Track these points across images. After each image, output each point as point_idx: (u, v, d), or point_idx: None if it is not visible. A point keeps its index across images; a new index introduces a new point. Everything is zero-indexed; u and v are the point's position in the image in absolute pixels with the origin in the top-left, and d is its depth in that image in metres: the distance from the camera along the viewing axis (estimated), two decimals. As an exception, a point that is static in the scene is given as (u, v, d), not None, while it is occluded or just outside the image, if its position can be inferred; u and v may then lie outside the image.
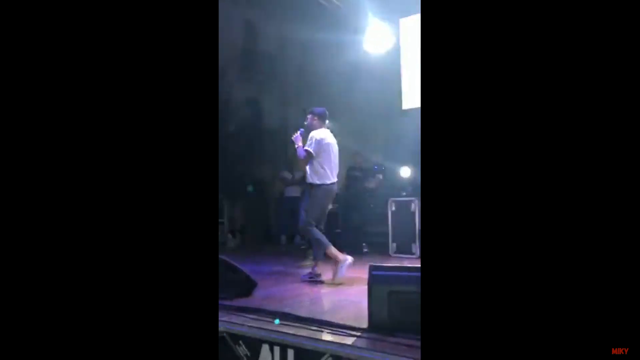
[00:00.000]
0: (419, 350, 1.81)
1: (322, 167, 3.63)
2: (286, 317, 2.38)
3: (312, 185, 3.67)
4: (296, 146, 3.69)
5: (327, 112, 3.84)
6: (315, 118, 3.76)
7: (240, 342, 2.24)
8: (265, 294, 3.08)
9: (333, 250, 3.56)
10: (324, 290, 3.42)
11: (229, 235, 7.93)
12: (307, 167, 3.69)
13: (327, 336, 2.11)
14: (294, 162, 8.22)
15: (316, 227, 3.62)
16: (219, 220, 6.74)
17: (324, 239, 3.59)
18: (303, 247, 7.23)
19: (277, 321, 2.30)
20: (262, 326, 2.23)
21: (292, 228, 7.59)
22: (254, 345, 2.18)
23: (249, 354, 2.21)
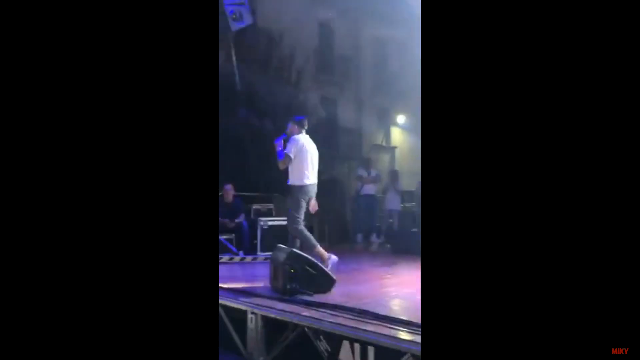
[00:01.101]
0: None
1: (302, 170, 3.93)
2: (365, 314, 2.40)
3: (292, 186, 3.96)
4: (277, 150, 3.97)
5: (306, 120, 4.18)
6: (295, 126, 4.07)
7: (321, 337, 2.30)
8: (344, 291, 3.12)
9: (319, 249, 3.84)
10: (403, 289, 3.39)
11: (306, 233, 8.07)
12: (289, 171, 3.98)
13: (407, 335, 2.09)
14: (369, 160, 8.21)
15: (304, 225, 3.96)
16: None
17: (312, 238, 3.92)
18: (380, 243, 7.20)
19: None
20: (342, 322, 2.26)
21: (368, 226, 7.59)
22: (335, 341, 2.23)
23: (329, 349, 2.26)
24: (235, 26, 4.80)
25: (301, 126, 4.08)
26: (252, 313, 2.72)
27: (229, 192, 5.91)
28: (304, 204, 3.94)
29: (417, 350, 1.93)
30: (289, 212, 3.98)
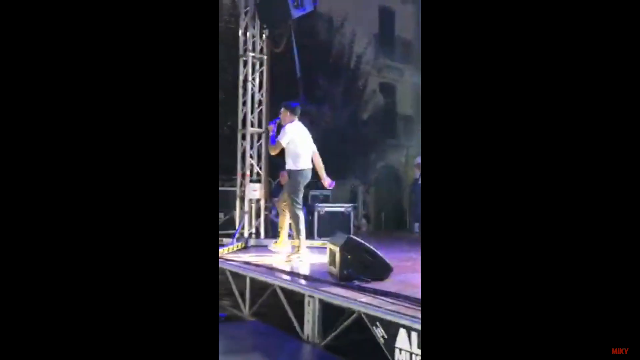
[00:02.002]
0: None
1: (297, 155, 4.05)
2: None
3: (290, 171, 4.11)
4: (270, 134, 4.11)
5: (299, 108, 4.26)
6: (288, 112, 4.13)
7: (378, 323, 2.31)
8: (401, 279, 3.11)
9: (302, 238, 4.04)
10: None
11: (363, 220, 8.10)
12: (285, 156, 4.10)
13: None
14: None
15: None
16: (354, 204, 6.92)
17: (302, 225, 4.07)
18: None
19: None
20: (399, 310, 2.26)
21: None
22: (391, 328, 2.23)
23: (385, 336, 2.27)
24: (296, 13, 4.81)
25: (294, 113, 4.16)
26: (310, 296, 2.78)
27: (286, 176, 6.02)
28: (302, 188, 4.12)
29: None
30: (288, 195, 4.11)
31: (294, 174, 4.11)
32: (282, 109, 4.21)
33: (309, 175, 4.19)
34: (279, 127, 4.14)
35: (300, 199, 4.12)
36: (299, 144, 4.09)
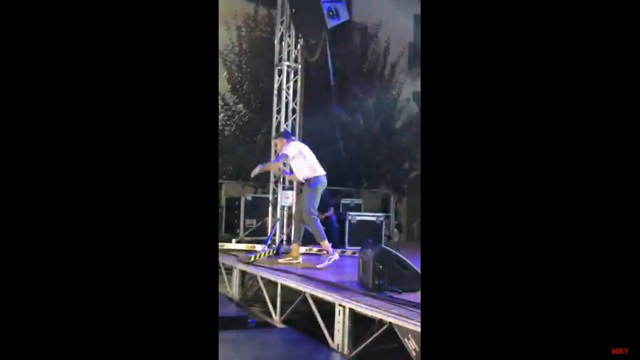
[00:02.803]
0: None
1: (310, 164, 4.27)
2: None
3: (308, 179, 4.26)
4: (269, 165, 4.47)
5: (289, 131, 4.91)
6: (282, 140, 4.43)
7: (410, 336, 2.27)
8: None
9: (326, 243, 4.23)
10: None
11: (395, 230, 8.01)
12: (297, 169, 4.33)
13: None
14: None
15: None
16: (386, 214, 6.87)
17: (322, 230, 4.23)
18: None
19: None
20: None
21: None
22: (424, 341, 2.19)
23: (417, 349, 2.22)
24: (331, 23, 4.85)
25: (287, 137, 4.47)
26: (340, 306, 2.76)
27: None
28: (319, 194, 4.27)
29: None
30: (306, 203, 4.22)
31: (313, 181, 4.24)
32: (277, 140, 4.57)
33: (325, 181, 4.33)
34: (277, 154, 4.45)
35: (316, 205, 4.27)
36: (307, 155, 4.29)
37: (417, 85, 12.83)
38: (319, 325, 2.97)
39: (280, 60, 5.53)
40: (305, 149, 4.33)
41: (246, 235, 5.83)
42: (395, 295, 2.80)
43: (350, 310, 2.70)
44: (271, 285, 3.71)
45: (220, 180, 7.10)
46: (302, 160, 4.26)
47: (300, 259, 4.39)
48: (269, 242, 5.04)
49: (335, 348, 2.75)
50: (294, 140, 4.51)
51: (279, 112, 5.50)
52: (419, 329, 2.22)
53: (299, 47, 5.55)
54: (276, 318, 3.54)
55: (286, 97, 5.50)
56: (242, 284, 4.36)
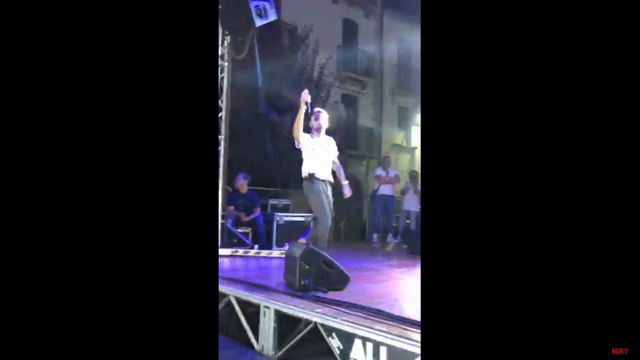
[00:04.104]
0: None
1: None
2: (379, 314, 2.38)
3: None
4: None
5: None
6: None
7: (334, 334, 2.29)
8: (359, 289, 3.11)
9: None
10: (416, 290, 3.35)
11: (323, 230, 8.07)
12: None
13: (419, 337, 2.07)
14: (388, 160, 8.16)
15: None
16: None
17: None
18: (396, 243, 7.16)
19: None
20: (355, 321, 2.25)
21: (385, 226, 7.55)
22: (347, 339, 2.22)
23: (341, 346, 2.25)
24: (258, 22, 4.79)
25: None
26: (266, 307, 2.73)
27: (243, 183, 5.90)
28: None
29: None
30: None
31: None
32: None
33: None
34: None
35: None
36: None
37: (345, 88, 13.12)
38: (244, 327, 2.91)
39: (206, 56, 5.36)
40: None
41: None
42: (321, 295, 2.81)
43: (276, 311, 2.68)
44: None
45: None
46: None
47: None
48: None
49: (260, 350, 2.71)
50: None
51: (204, 110, 5.32)
52: (343, 327, 2.24)
53: (225, 44, 5.42)
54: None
55: (212, 95, 5.34)
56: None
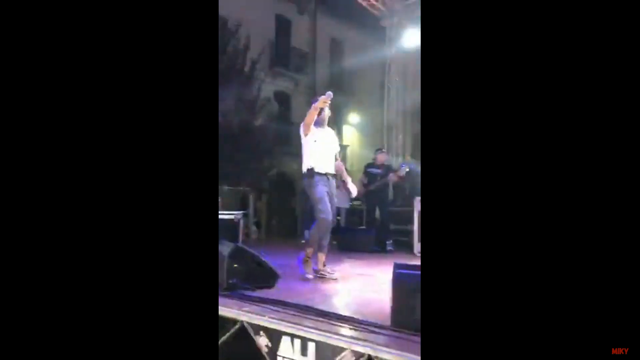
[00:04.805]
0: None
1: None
2: (307, 310, 2.38)
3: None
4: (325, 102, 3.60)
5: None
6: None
7: (261, 332, 2.25)
8: (288, 286, 3.09)
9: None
10: (346, 285, 3.40)
11: (254, 227, 8.00)
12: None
13: (348, 331, 2.09)
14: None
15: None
16: (244, 211, 6.81)
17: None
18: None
19: None
20: (283, 318, 2.23)
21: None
22: (275, 336, 2.19)
23: (269, 344, 2.22)
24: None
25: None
26: (191, 307, 2.63)
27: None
28: None
29: (357, 346, 1.93)
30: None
31: None
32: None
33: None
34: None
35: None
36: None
37: (277, 84, 13.04)
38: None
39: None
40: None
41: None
42: (250, 293, 2.76)
43: (202, 311, 2.59)
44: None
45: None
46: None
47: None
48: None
49: (185, 352, 2.61)
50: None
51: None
52: (270, 325, 2.21)
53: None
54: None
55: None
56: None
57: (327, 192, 3.58)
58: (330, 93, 3.56)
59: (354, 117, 14.39)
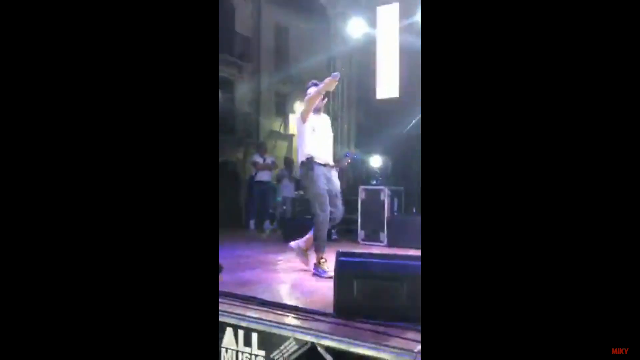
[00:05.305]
0: (383, 336, 1.84)
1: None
2: (251, 301, 2.37)
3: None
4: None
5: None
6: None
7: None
8: (232, 278, 3.06)
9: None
10: (290, 275, 3.42)
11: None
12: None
13: (292, 320, 2.10)
14: (265, 146, 8.15)
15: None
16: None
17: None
18: (272, 229, 7.21)
19: None
20: (226, 309, 2.20)
21: (262, 213, 7.55)
22: (218, 328, 2.16)
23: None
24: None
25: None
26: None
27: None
28: None
29: (300, 334, 1.95)
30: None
31: None
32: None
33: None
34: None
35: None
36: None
37: (221, 71, 12.69)
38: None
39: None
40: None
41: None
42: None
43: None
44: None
45: None
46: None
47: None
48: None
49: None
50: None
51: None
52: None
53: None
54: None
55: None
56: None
57: (326, 185, 3.40)
58: (337, 74, 3.25)
59: (300, 107, 14.37)
